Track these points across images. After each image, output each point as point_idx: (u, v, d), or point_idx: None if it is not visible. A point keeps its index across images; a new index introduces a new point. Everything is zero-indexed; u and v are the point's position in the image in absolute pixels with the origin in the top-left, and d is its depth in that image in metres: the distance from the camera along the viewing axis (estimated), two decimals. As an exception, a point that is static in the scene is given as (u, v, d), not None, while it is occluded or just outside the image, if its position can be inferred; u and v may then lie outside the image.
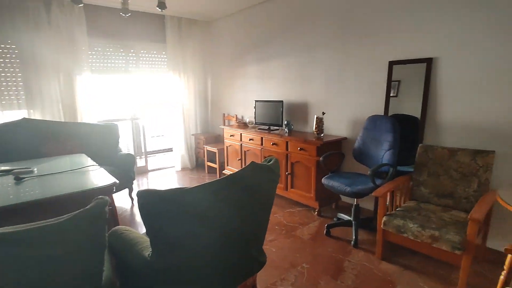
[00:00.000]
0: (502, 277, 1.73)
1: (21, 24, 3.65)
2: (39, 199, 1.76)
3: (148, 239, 1.45)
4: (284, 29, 3.93)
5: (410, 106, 2.77)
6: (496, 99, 2.27)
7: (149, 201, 1.22)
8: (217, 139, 5.31)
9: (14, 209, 1.69)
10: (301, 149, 3.30)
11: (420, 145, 2.59)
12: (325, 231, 2.85)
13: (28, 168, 2.30)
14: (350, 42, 3.19)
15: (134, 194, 3.89)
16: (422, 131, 2.70)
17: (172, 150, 5.41)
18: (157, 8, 2.29)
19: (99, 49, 4.38)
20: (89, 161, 2.68)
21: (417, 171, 2.56)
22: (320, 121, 3.34)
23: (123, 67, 4.64)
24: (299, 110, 3.89)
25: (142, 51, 4.79)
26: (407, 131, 2.77)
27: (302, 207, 3.51)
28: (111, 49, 4.49)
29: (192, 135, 5.46)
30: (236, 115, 4.83)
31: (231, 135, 4.40)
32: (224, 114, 5.16)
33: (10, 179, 2.09)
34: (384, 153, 2.66)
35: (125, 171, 3.57)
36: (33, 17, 3.71)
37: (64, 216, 1.07)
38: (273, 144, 3.65)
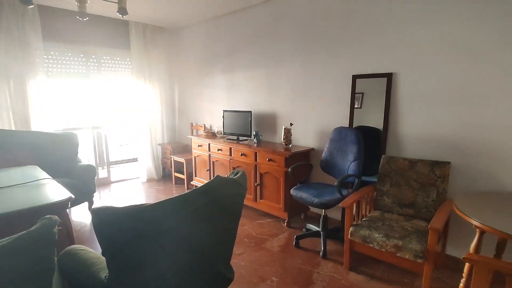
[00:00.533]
0: (461, 284, 1.81)
1: (-33, 23, 3.35)
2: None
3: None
4: (251, 40, 3.96)
5: (374, 118, 2.88)
6: (450, 113, 2.42)
7: (105, 219, 1.13)
8: (185, 149, 5.17)
9: None
10: (270, 160, 3.29)
11: (383, 156, 2.69)
12: (294, 243, 2.84)
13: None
14: (315, 55, 3.27)
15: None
16: (385, 143, 2.81)
17: (137, 160, 5.18)
18: (118, 13, 2.19)
19: (56, 53, 4.12)
20: (42, 174, 2.46)
21: (380, 181, 2.64)
22: (288, 132, 3.37)
23: (83, 73, 4.39)
24: (268, 121, 3.90)
25: (104, 57, 4.58)
26: (371, 143, 2.86)
27: (271, 218, 3.49)
28: (69, 54, 4.23)
29: (159, 144, 5.27)
30: (204, 125, 4.75)
31: (199, 145, 4.30)
32: (192, 123, 5.05)
33: None
34: (349, 164, 2.73)
35: (84, 184, 3.34)
36: (-20, 16, 3.41)
37: (4, 239, 0.95)
38: (242, 154, 3.61)
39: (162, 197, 4.08)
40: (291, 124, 3.43)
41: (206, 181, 4.28)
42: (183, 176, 4.66)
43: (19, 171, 2.61)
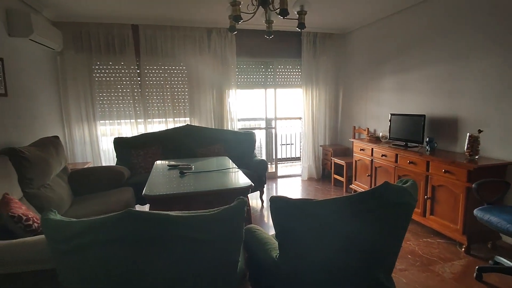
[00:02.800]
0: None
1: (190, 50, 4.60)
2: (194, 191, 2.17)
3: (276, 242, 1.58)
4: (428, 36, 3.50)
5: None
6: None
7: (281, 206, 1.34)
8: (346, 152, 5.17)
9: (177, 197, 2.15)
10: (446, 171, 2.84)
11: None
12: (475, 275, 2.35)
13: (188, 165, 2.88)
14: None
15: (264, 197, 4.24)
16: None
17: (299, 160, 5.61)
18: (297, 28, 2.47)
19: (244, 66, 5.03)
20: (230, 164, 3.11)
21: None
22: (474, 141, 2.80)
23: (261, 82, 5.16)
24: (445, 126, 3.36)
25: (279, 67, 5.20)
26: None
27: (443, 238, 3.01)
28: (253, 66, 5.07)
29: (320, 146, 5.51)
30: (368, 129, 4.59)
31: (361, 149, 4.21)
32: (354, 126, 4.99)
33: (177, 173, 2.67)
34: None
35: (258, 175, 3.94)
36: (198, 44, 4.62)
37: (214, 209, 1.30)
38: (410, 162, 3.28)
39: (321, 196, 4.26)
40: (480, 131, 2.82)
41: (366, 186, 4.15)
42: (342, 179, 4.68)
43: (214, 160, 3.40)
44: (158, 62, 4.52)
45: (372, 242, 1.40)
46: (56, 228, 1.16)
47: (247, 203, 1.37)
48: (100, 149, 4.52)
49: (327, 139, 5.61)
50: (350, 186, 4.52)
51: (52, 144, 2.93)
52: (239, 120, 5.12)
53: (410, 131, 3.57)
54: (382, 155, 3.75)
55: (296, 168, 5.85)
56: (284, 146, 6.80)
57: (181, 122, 4.76)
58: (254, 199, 4.33)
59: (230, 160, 3.26)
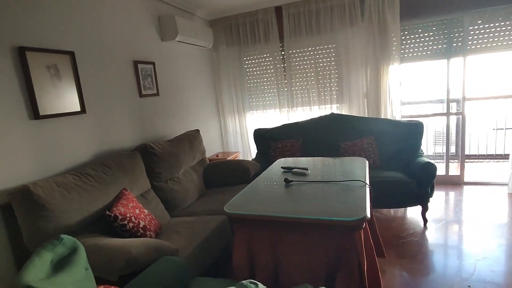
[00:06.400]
0: None
1: (338, 22, 3.82)
2: (280, 216, 1.61)
3: None
4: None
5: None
6: None
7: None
8: None
9: (260, 220, 1.66)
10: None
11: None
12: None
13: (304, 169, 2.31)
14: None
15: (430, 216, 3.04)
16: None
17: (507, 158, 3.71)
18: None
19: (411, 32, 3.70)
20: (365, 170, 2.26)
21: None
22: None
23: (441, 50, 3.65)
24: None
25: (476, 22, 3.48)
26: None
27: None
28: (426, 30, 3.65)
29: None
30: None
31: None
32: None
33: (282, 179, 2.15)
34: None
35: (419, 184, 2.82)
36: (348, 13, 3.75)
37: None
38: None
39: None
40: None
41: None
42: None
43: (344, 163, 2.56)
44: (302, 43, 4.04)
45: None
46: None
47: None
48: (249, 139, 4.63)
49: None
50: None
51: (188, 138, 3.11)
52: (403, 104, 3.90)
53: None
54: None
55: (498, 172, 3.91)
56: (480, 137, 4.75)
57: (327, 110, 4.14)
58: (410, 214, 3.19)
59: (367, 165, 2.40)
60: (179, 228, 2.26)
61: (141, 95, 2.98)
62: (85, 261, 1.06)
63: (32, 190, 1.68)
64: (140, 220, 1.99)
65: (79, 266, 1.00)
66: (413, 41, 3.75)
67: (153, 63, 3.15)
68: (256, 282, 0.74)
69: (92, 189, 1.97)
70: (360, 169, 2.27)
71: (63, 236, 1.09)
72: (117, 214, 1.88)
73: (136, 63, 2.92)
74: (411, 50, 3.76)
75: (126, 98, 2.80)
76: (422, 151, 3.33)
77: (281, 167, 2.45)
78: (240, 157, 4.59)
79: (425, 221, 2.92)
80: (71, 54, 2.25)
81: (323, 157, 2.78)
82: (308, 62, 4.10)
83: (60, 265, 1.00)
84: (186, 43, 3.56)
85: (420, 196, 2.83)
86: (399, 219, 3.12)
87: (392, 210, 3.34)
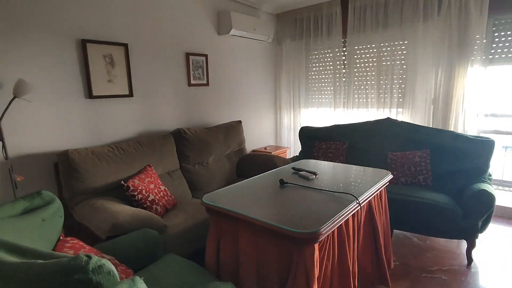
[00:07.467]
0: None
1: (408, 16, 3.35)
2: (243, 214, 1.60)
3: None
4: None
5: None
6: None
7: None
8: None
9: (228, 215, 1.69)
10: None
11: None
12: None
13: (313, 174, 2.20)
14: None
15: (477, 256, 2.50)
16: None
17: None
18: None
19: (506, 26, 2.97)
20: (369, 185, 2.01)
21: None
22: None
23: (549, 50, 2.83)
24: None
25: None
26: None
27: None
28: (531, 24, 2.88)
29: None
30: None
31: None
32: None
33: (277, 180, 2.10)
34: None
35: (465, 214, 2.34)
36: (422, 5, 3.25)
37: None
38: None
39: None
40: None
41: None
42: None
43: (366, 174, 2.31)
44: (366, 39, 3.70)
45: None
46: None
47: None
48: (302, 135, 4.55)
49: None
50: None
51: (225, 128, 3.29)
52: (485, 116, 3.21)
53: None
54: None
55: None
56: None
57: (385, 113, 3.73)
58: (460, 250, 2.65)
59: (386, 179, 2.12)
60: (189, 208, 2.47)
61: (189, 84, 3.29)
62: (48, 213, 1.33)
63: (69, 155, 2.12)
64: (150, 194, 2.27)
65: (38, 216, 1.28)
66: (508, 38, 3.02)
67: (205, 55, 3.42)
68: (91, 255, 0.80)
69: (119, 161, 2.35)
70: (371, 182, 2.04)
71: (43, 191, 1.39)
72: (130, 185, 2.20)
73: (188, 55, 3.23)
74: (505, 50, 3.03)
75: (174, 86, 3.14)
76: (490, 175, 2.72)
77: (292, 168, 2.40)
78: (290, 153, 4.57)
79: (470, 260, 2.41)
80: (125, 46, 2.67)
81: (350, 165, 2.57)
82: (370, 59, 3.74)
83: (29, 212, 1.30)
84: (242, 37, 3.71)
85: (465, 229, 2.35)
86: (438, 250, 2.65)
87: (430, 238, 2.85)
